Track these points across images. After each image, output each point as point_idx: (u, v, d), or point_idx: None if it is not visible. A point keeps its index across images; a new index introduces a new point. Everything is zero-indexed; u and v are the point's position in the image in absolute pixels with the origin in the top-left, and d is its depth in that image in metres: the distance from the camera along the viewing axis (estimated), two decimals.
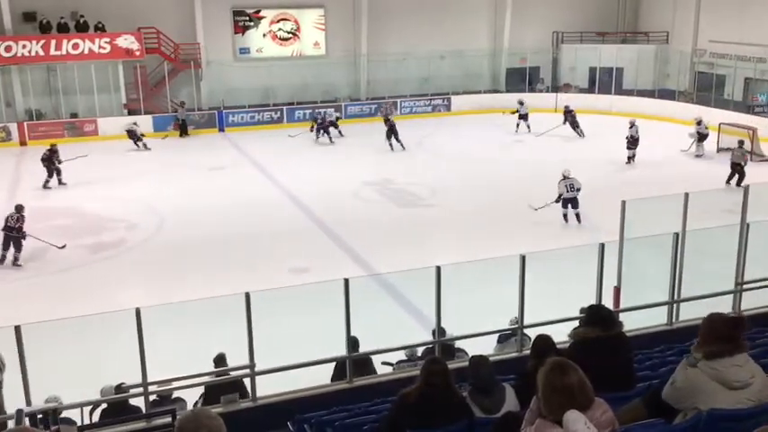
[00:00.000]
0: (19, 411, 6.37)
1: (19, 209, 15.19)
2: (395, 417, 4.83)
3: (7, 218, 15.01)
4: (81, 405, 7.27)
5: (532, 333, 6.90)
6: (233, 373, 7.92)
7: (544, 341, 5.44)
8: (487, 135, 27.05)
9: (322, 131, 26.33)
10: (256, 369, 7.34)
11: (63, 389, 7.39)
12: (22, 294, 13.25)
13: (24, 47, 26.45)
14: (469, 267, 9.97)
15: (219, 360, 8.35)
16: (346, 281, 7.46)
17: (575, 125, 26.30)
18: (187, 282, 13.36)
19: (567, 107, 27.05)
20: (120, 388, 7.58)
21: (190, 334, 10.16)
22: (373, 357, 8.14)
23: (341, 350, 7.65)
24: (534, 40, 33.89)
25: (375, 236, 16.08)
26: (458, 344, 8.47)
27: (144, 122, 27.58)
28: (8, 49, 26.26)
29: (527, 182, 19.74)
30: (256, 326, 7.12)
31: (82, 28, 27.51)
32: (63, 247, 15.32)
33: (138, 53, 27.87)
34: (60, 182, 20.90)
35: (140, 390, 7.23)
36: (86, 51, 27.25)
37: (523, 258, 7.60)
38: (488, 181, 20.57)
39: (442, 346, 8.05)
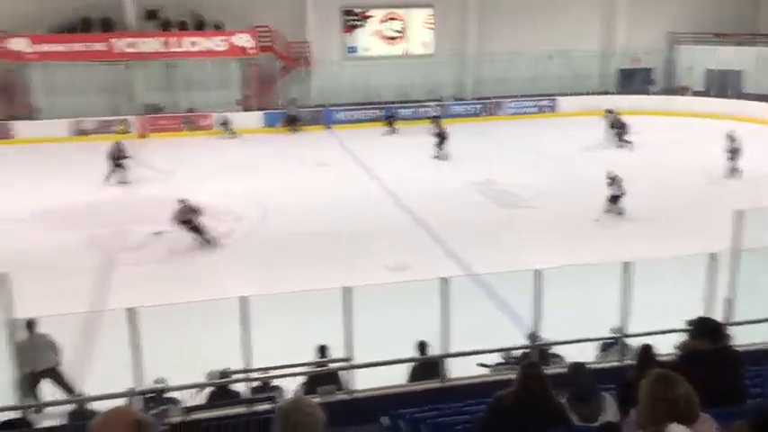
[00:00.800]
0: (131, 390, 6.74)
1: (182, 201, 15.82)
2: (490, 419, 4.80)
3: (177, 212, 15.63)
4: (186, 387, 7.59)
5: (635, 343, 6.70)
6: (330, 365, 8.10)
7: (648, 351, 5.29)
8: (594, 137, 26.34)
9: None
10: (353, 363, 7.47)
11: (170, 371, 7.74)
12: (139, 279, 13.94)
13: (146, 43, 27.84)
14: (571, 271, 9.77)
15: (322, 351, 8.54)
16: (444, 280, 7.47)
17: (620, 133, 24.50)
18: (289, 274, 13.70)
19: (609, 112, 25.42)
20: (224, 373, 7.88)
21: (290, 325, 10.41)
22: (469, 358, 8.10)
23: (434, 350, 7.67)
24: (647, 40, 32.76)
25: (475, 236, 15.99)
26: (554, 349, 8.32)
27: (255, 119, 28.50)
28: (131, 45, 27.71)
29: (632, 186, 19.12)
30: (354, 321, 7.24)
31: (200, 26, 28.70)
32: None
33: (252, 51, 28.81)
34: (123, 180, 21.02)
35: (243, 376, 7.51)
36: (204, 49, 28.42)
37: (627, 266, 7.39)
38: (593, 183, 20.03)
39: (540, 351, 7.93)
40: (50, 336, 9.31)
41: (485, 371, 8.15)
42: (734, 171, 20.44)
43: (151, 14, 28.46)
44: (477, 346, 7.92)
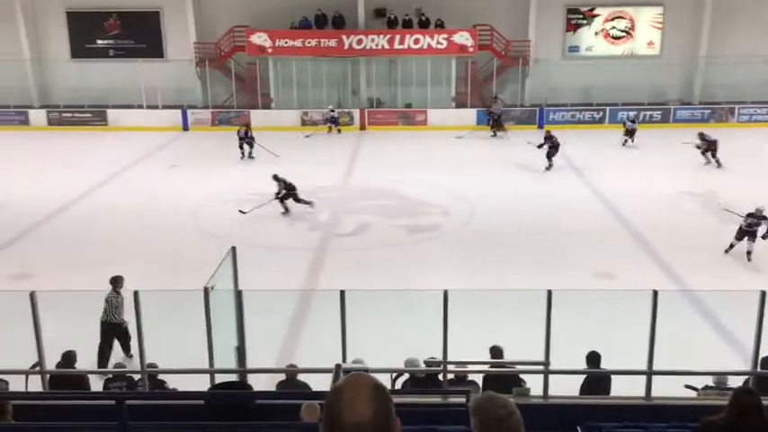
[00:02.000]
0: (337, 366, 7.17)
1: (275, 177, 17.98)
2: None
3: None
4: (385, 371, 7.93)
5: None
6: (524, 367, 8.06)
7: None
8: None
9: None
10: (551, 368, 7.38)
11: (370, 354, 8.13)
12: (348, 263, 14.72)
13: (373, 40, 29.14)
14: None
15: (495, 351, 8.53)
16: (655, 293, 7.15)
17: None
18: (490, 272, 13.77)
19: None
20: (426, 363, 8.13)
21: (488, 322, 10.47)
22: (675, 378, 7.68)
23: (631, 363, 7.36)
24: None
25: (691, 249, 15.00)
26: None
27: (468, 116, 28.79)
28: (359, 42, 29.15)
29: None
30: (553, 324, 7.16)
31: (424, 24, 29.51)
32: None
33: (471, 49, 29.12)
34: (250, 155, 23.69)
35: (440, 367, 7.70)
36: (425, 46, 29.18)
37: None
38: None
39: (757, 379, 7.34)
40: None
41: (692, 393, 7.70)
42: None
43: (379, 13, 29.73)
44: (684, 366, 7.50)
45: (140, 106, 29.26)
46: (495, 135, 27.26)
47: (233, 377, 8.31)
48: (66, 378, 8.46)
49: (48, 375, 8.14)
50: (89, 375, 8.96)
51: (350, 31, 29.30)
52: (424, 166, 22.70)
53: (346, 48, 29.22)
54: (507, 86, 30.29)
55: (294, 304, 12.20)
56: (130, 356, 10.43)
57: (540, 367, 7.47)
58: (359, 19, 29.45)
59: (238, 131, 24.18)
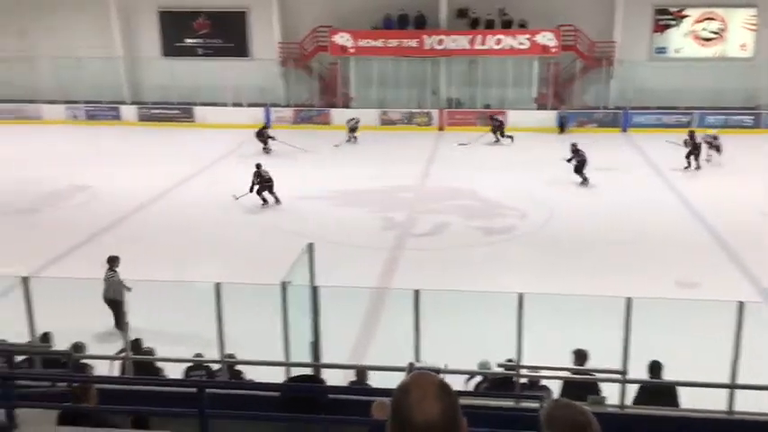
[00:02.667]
0: (410, 365, 7.22)
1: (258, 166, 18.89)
2: None
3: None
4: (458, 373, 7.92)
5: None
6: (601, 375, 7.91)
7: None
8: None
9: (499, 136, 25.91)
10: (628, 377, 7.23)
11: (443, 355, 8.13)
12: (422, 263, 14.75)
13: (454, 41, 29.08)
14: None
15: (580, 356, 8.38)
16: (740, 304, 6.92)
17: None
18: (566, 276, 13.54)
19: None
20: (500, 366, 8.08)
21: (563, 326, 10.31)
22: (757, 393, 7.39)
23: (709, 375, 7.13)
24: None
25: None
26: None
27: (548, 118, 28.36)
28: (440, 42, 29.13)
29: None
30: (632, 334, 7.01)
31: (506, 24, 29.25)
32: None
33: (554, 50, 28.69)
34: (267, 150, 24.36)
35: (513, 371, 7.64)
36: (507, 47, 28.91)
37: None
38: None
39: None
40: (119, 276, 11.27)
41: None
42: None
43: (461, 13, 29.63)
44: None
45: (225, 104, 30.08)
46: (497, 141, 26.39)
47: (307, 371, 8.46)
48: (139, 365, 8.76)
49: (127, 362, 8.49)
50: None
51: (431, 30, 29.31)
52: (502, 167, 22.49)
53: (427, 48, 29.25)
54: (590, 88, 29.69)
55: (368, 302, 12.31)
56: (123, 331, 10.55)
57: (617, 376, 7.33)
58: (440, 19, 29.41)
59: (259, 131, 25.05)
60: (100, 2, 30.44)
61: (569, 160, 20.81)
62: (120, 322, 10.85)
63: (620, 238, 16.03)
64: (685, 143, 21.89)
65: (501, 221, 17.60)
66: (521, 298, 7.47)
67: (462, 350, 9.14)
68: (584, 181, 20.50)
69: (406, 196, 19.68)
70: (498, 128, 26.43)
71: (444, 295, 9.68)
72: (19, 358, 8.29)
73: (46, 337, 8.91)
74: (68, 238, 16.15)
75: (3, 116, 30.51)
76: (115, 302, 11.01)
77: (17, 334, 8.36)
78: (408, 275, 13.51)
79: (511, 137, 26.02)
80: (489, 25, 29.31)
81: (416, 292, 7.72)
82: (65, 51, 30.38)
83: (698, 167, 21.81)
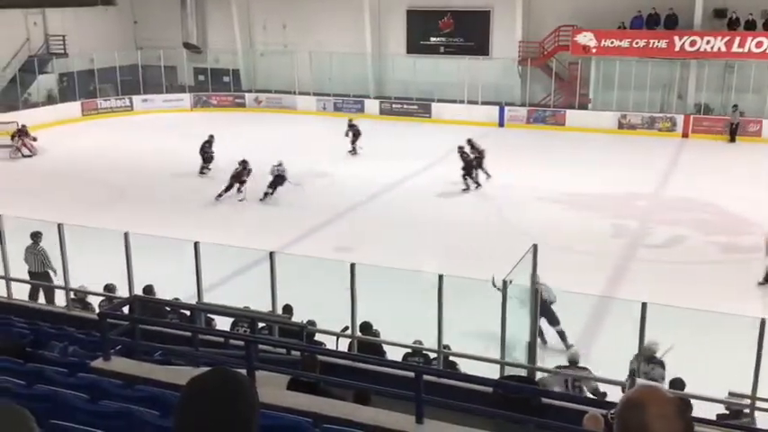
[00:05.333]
0: (631, 378, 7.01)
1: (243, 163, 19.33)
2: None
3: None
4: (697, 398, 7.51)
5: None
6: None
7: None
8: None
9: None
10: None
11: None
12: (653, 275, 14.02)
13: (708, 42, 27.07)
14: None
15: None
16: None
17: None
18: None
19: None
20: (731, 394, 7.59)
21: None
22: None
23: None
24: None
25: None
26: None
27: None
28: (692, 43, 27.26)
29: None
30: None
31: None
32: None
33: None
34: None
35: None
36: None
37: None
38: None
39: None
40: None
41: None
42: None
43: (719, 13, 27.51)
44: None
45: (461, 101, 30.65)
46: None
47: (521, 372, 8.50)
48: (365, 345, 9.26)
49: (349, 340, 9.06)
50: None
51: (683, 31, 27.53)
52: (748, 180, 20.66)
53: (677, 49, 27.53)
54: None
55: (592, 309, 12.00)
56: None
57: None
58: (695, 19, 27.52)
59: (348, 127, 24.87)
60: (355, 2, 32.36)
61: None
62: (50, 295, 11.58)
63: None
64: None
65: (744, 239, 16.19)
66: (763, 324, 6.92)
67: (692, 373, 8.61)
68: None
69: (641, 204, 18.81)
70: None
71: (672, 311, 9.17)
72: (260, 325, 9.23)
73: (288, 308, 9.80)
74: (309, 219, 17.53)
75: (264, 105, 33.72)
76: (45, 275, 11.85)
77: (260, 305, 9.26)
78: (636, 286, 12.94)
79: None
80: (749, 27, 26.90)
81: (644, 305, 7.44)
82: (319, 47, 32.76)
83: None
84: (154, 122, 30.35)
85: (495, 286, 8.25)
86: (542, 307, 9.64)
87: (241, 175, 19.45)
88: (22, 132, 24.75)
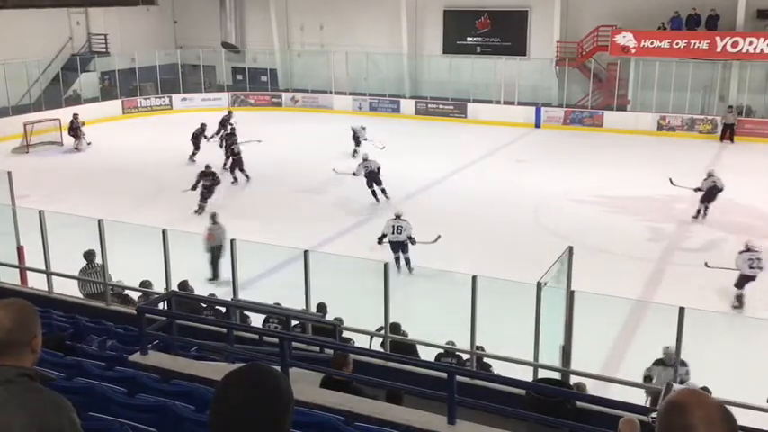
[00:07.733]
0: (668, 384, 6.89)
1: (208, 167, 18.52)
2: None
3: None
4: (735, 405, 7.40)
5: None
6: None
7: None
8: None
9: None
10: None
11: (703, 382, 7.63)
12: (686, 279, 13.81)
13: (751, 43, 26.52)
14: None
15: None
16: None
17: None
18: None
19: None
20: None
21: None
22: None
23: None
24: None
25: None
26: None
27: None
28: (734, 44, 26.73)
29: None
30: None
31: None
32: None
33: None
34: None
35: None
36: None
37: None
38: None
39: None
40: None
41: None
42: None
43: (762, 14, 26.95)
44: None
45: (498, 102, 30.49)
46: None
47: (555, 375, 8.42)
48: (398, 345, 9.28)
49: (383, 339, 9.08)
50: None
51: (725, 32, 27.02)
52: None
53: (719, 50, 27.02)
54: None
55: (627, 313, 11.85)
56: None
57: None
58: (737, 20, 27.00)
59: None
60: (392, 2, 32.37)
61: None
62: None
63: None
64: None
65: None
66: None
67: (728, 379, 8.48)
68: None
69: (681, 207, 18.49)
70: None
71: (712, 317, 9.04)
72: (293, 323, 9.29)
73: (322, 307, 9.86)
74: (346, 218, 17.60)
75: (300, 104, 33.92)
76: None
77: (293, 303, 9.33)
78: (672, 291, 12.76)
79: None
80: None
81: (681, 310, 7.34)
82: (356, 46, 32.85)
83: None
84: (190, 121, 30.70)
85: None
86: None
87: (212, 188, 18.47)
88: (76, 122, 25.55)
